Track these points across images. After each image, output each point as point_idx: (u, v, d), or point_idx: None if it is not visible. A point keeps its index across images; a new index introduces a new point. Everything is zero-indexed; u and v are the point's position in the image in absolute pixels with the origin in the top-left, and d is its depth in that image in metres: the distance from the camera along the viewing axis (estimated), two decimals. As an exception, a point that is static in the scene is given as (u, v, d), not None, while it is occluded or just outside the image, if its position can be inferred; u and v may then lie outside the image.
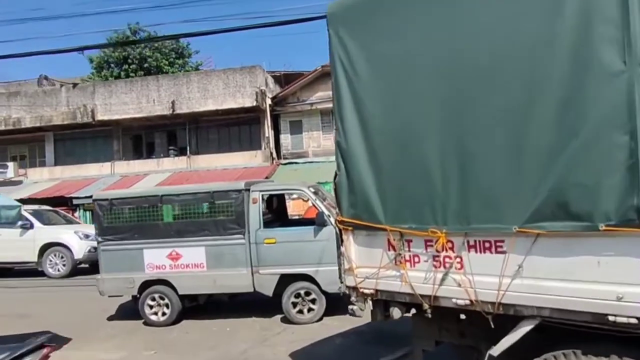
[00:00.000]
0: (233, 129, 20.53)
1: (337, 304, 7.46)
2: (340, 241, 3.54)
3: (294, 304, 7.17)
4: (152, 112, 19.55)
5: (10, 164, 21.29)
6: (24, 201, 17.18)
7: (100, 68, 31.19)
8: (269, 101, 19.22)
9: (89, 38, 58.31)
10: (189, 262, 7.47)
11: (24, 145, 22.29)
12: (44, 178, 21.20)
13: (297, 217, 11.87)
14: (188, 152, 20.38)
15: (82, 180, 20.05)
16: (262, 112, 19.34)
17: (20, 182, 21.19)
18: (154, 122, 20.38)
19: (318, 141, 19.44)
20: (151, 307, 7.64)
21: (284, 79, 22.09)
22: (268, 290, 7.28)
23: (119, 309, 8.68)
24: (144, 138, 21.44)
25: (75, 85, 20.77)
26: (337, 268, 7.34)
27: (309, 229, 7.22)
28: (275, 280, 7.21)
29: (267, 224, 7.51)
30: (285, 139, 19.78)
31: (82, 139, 21.74)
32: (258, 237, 7.21)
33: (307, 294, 7.17)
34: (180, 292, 7.53)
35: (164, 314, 7.59)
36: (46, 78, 23.30)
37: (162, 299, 7.59)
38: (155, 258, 7.58)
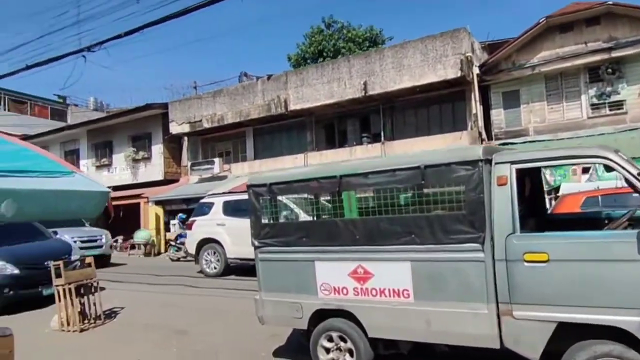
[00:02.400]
0: (433, 108, 16.90)
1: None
2: None
3: (587, 383, 3.44)
4: (343, 96, 17.10)
5: (217, 160, 21.16)
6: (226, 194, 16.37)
7: (297, 65, 30.58)
8: (476, 70, 15.08)
9: (283, 34, 60.63)
10: (384, 286, 4.27)
11: (228, 141, 22.08)
12: (244, 172, 20.54)
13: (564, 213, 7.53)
14: (382, 138, 17.46)
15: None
16: (467, 84, 15.32)
17: (225, 177, 20.95)
18: (346, 107, 17.94)
19: (541, 114, 14.63)
20: (328, 350, 4.66)
21: (489, 50, 17.66)
22: (530, 349, 3.66)
23: (291, 337, 5.96)
24: (336, 126, 19.21)
25: (269, 77, 19.56)
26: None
27: (620, 235, 3.41)
28: (548, 333, 3.56)
29: (524, 224, 3.89)
30: (498, 114, 15.41)
31: (278, 132, 20.55)
32: (511, 249, 3.65)
33: (617, 366, 3.38)
34: (371, 334, 4.38)
35: (347, 364, 4.55)
36: (246, 75, 22.87)
37: (344, 340, 4.54)
38: (333, 276, 4.56)
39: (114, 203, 17.70)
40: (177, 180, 22.74)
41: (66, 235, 14.23)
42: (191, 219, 13.40)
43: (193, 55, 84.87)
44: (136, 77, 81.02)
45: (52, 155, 3.40)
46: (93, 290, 7.70)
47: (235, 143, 21.94)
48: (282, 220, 5.13)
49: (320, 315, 4.68)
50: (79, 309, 7.40)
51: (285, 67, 32.47)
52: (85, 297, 7.62)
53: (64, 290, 7.24)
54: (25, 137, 26.09)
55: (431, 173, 3.95)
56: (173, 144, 23.10)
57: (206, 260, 12.35)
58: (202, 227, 12.62)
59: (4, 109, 36.29)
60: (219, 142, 22.28)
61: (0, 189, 2.61)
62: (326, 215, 4.86)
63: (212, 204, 12.89)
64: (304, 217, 4.90)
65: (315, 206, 4.98)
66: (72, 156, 26.08)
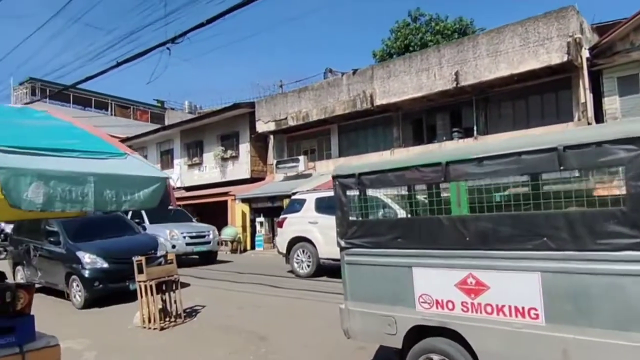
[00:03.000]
0: (532, 98, 15.18)
1: None
2: None
3: None
4: (432, 88, 15.90)
5: (302, 158, 20.83)
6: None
7: (383, 60, 29.60)
8: (586, 53, 13.26)
9: (372, 28, 59.89)
10: (502, 303, 3.31)
11: (313, 139, 21.70)
12: (329, 170, 19.92)
13: None
14: (475, 132, 16.01)
15: (362, 170, 17.92)
16: (575, 70, 13.52)
17: (310, 175, 20.56)
18: (435, 101, 16.72)
19: (668, 102, 12.55)
20: (428, 376, 3.78)
21: (598, 33, 15.54)
22: None
23: (380, 352, 5.14)
24: (424, 121, 18.01)
25: (355, 71, 18.82)
26: None
27: None
28: None
29: None
30: (611, 102, 13.43)
31: (364, 129, 19.75)
32: (700, 262, 2.57)
33: None
34: (485, 361, 3.44)
35: (451, 395, 3.64)
36: (331, 71, 22.29)
37: (449, 366, 3.65)
38: (435, 286, 3.68)
39: (204, 201, 17.74)
40: (263, 179, 22.73)
41: (175, 230, 14.19)
42: (282, 216, 12.72)
43: (280, 55, 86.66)
44: (226, 78, 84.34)
45: (105, 135, 2.87)
46: (174, 287, 7.40)
47: (320, 141, 21.49)
48: (372, 216, 4.33)
49: (418, 333, 3.81)
50: (160, 306, 7.12)
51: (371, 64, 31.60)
52: (167, 294, 7.33)
53: (145, 286, 6.98)
54: (127, 139, 27.63)
55: (573, 156, 2.93)
56: (259, 142, 23.13)
57: (297, 260, 11.68)
58: (293, 225, 11.94)
59: (111, 114, 39.03)
60: (304, 140, 21.97)
61: (24, 168, 2.05)
62: (427, 211, 4.00)
63: (304, 200, 12.17)
64: (402, 214, 4.09)
65: (413, 200, 4.14)
66: (167, 156, 27.15)
